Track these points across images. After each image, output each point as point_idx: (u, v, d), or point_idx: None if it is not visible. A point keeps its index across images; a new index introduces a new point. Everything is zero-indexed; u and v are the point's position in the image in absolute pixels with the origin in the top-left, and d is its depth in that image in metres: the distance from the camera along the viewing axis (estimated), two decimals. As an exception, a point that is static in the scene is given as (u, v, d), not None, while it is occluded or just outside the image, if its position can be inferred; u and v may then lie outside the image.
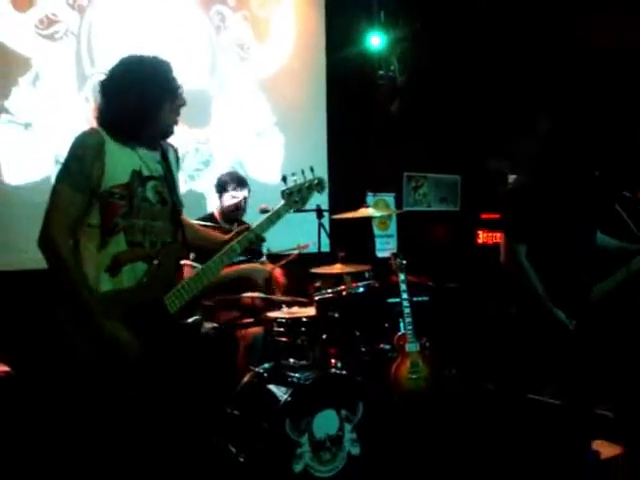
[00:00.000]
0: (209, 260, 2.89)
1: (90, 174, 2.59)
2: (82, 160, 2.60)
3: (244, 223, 4.78)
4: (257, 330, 4.51)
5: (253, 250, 3.12)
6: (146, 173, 2.74)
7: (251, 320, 4.54)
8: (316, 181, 3.20)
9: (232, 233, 3.06)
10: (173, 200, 2.85)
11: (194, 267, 3.41)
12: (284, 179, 3.14)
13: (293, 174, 3.14)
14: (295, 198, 3.12)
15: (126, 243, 2.67)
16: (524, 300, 3.61)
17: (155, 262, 2.73)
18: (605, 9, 6.34)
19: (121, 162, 2.67)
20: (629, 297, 3.78)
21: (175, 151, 3.02)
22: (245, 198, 4.78)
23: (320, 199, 4.47)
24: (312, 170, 3.19)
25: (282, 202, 3.09)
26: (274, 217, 3.06)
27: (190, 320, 2.83)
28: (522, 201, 3.61)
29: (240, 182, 4.80)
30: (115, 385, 2.57)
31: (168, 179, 2.84)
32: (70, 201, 2.58)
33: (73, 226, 2.61)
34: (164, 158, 2.87)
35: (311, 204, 4.77)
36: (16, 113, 4.95)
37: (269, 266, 4.77)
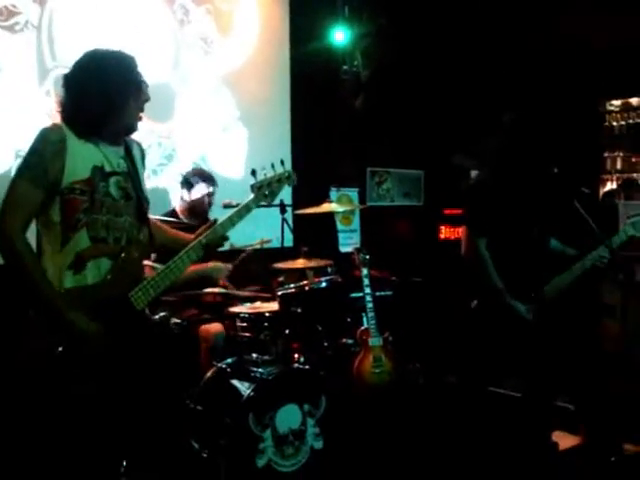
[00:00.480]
0: (176, 256, 2.87)
1: (48, 169, 2.56)
2: (42, 155, 2.57)
3: (208, 220, 4.78)
4: (218, 327, 4.50)
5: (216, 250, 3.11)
6: (108, 169, 2.71)
7: (214, 316, 4.53)
8: (286, 174, 3.18)
9: (200, 229, 3.04)
10: (138, 196, 2.83)
11: (154, 268, 3.40)
12: (253, 173, 3.10)
13: (263, 168, 3.12)
14: (265, 192, 3.09)
15: (89, 239, 2.64)
16: (484, 293, 3.66)
17: (121, 257, 2.71)
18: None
19: (82, 157, 2.64)
20: (584, 290, 3.85)
21: (140, 147, 3.00)
22: (211, 194, 4.77)
23: (283, 194, 4.46)
24: (282, 163, 3.17)
25: (251, 196, 3.07)
26: (243, 211, 3.04)
27: (157, 316, 2.82)
28: (483, 196, 3.67)
29: (207, 178, 4.79)
30: (79, 377, 2.55)
31: (132, 174, 2.81)
32: (26, 196, 2.55)
33: (29, 220, 2.58)
34: (128, 153, 2.85)
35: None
36: (-25, 106, 4.88)
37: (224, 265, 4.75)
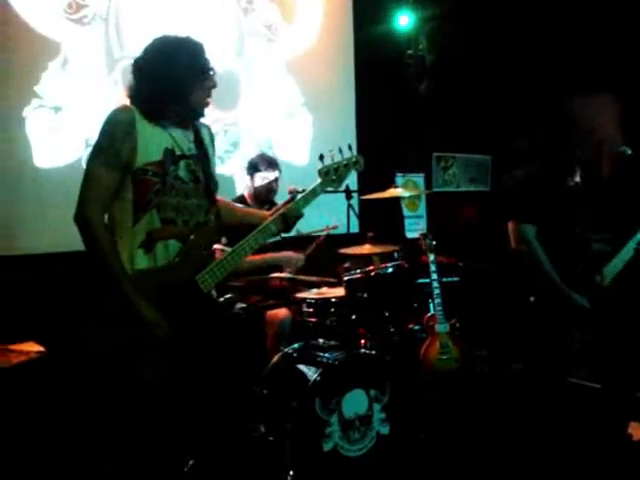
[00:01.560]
0: (244, 239, 2.90)
1: (121, 150, 2.61)
2: (113, 136, 2.62)
3: (276, 204, 4.80)
4: (285, 312, 4.52)
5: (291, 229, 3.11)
6: (178, 152, 2.76)
7: (280, 301, 4.55)
8: (354, 159, 3.17)
9: (273, 209, 3.05)
10: (207, 179, 2.86)
11: (224, 251, 3.42)
12: (321, 157, 3.09)
13: (330, 151, 3.10)
14: (332, 177, 3.10)
15: (159, 220, 2.69)
16: (541, 288, 3.60)
17: (190, 240, 2.74)
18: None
19: (153, 140, 2.69)
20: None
21: (209, 130, 3.03)
22: (276, 179, 4.79)
23: (348, 180, 4.45)
24: (350, 148, 3.16)
25: (319, 180, 3.07)
26: (310, 195, 3.05)
27: (223, 299, 2.85)
28: (531, 185, 3.63)
29: (271, 163, 4.81)
30: (144, 363, 2.60)
31: (201, 158, 2.85)
32: (103, 179, 2.61)
33: (107, 203, 2.64)
34: (197, 137, 2.88)
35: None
36: (46, 97, 4.99)
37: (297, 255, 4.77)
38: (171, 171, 2.71)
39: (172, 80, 2.70)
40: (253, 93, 6.08)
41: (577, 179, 3.57)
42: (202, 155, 2.86)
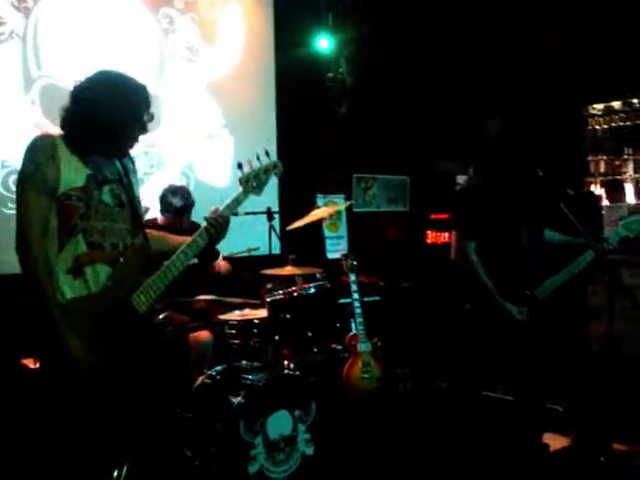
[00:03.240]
0: (174, 255, 2.88)
1: (46, 175, 2.59)
2: (37, 161, 2.61)
3: (193, 223, 4.78)
4: (206, 335, 4.50)
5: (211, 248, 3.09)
6: (101, 177, 2.74)
7: (203, 323, 4.52)
8: (273, 164, 3.17)
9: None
10: (132, 202, 2.85)
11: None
12: (240, 166, 3.09)
13: (249, 160, 3.10)
14: (253, 184, 3.09)
15: (86, 245, 2.66)
16: (476, 296, 3.68)
17: (120, 262, 2.72)
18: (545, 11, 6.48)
19: (76, 166, 2.67)
20: (572, 292, 3.87)
21: (131, 160, 3.01)
22: (189, 209, 4.75)
23: (270, 201, 4.48)
24: (267, 154, 3.16)
25: (240, 189, 3.08)
26: (233, 205, 3.04)
27: (160, 317, 2.84)
28: (471, 200, 3.70)
29: (189, 198, 4.78)
30: (75, 389, 2.59)
31: (124, 182, 2.84)
32: (37, 205, 2.59)
33: (44, 227, 2.60)
34: (119, 162, 2.87)
35: (261, 206, 4.82)
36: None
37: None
38: (95, 195, 2.70)
39: (108, 122, 2.70)
40: (174, 114, 6.04)
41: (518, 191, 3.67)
42: (125, 179, 2.85)
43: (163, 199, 4.75)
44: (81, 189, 2.65)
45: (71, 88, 2.77)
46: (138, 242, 2.86)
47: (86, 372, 2.57)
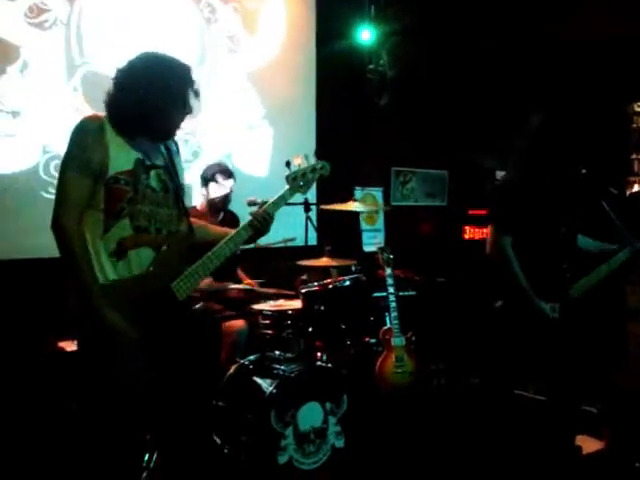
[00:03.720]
0: (217, 245, 2.90)
1: (91, 157, 2.61)
2: (83, 144, 2.62)
3: (230, 213, 4.79)
4: (240, 323, 4.52)
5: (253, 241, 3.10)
6: (148, 162, 2.77)
7: (237, 312, 4.54)
8: (320, 165, 3.20)
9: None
10: (177, 188, 2.87)
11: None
12: (287, 164, 3.13)
13: (296, 158, 3.14)
14: (300, 182, 3.12)
15: (132, 228, 2.69)
16: (509, 293, 3.64)
17: (163, 249, 2.74)
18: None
19: (124, 150, 2.69)
20: (610, 294, 3.81)
21: (175, 143, 3.03)
22: (231, 188, 4.78)
23: (307, 193, 4.44)
24: (316, 154, 3.20)
25: (287, 186, 3.10)
26: (279, 201, 3.06)
27: (197, 306, 2.85)
28: (510, 195, 3.65)
29: (226, 172, 4.80)
30: (117, 373, 2.61)
31: (169, 168, 2.86)
32: (76, 186, 2.61)
33: (82, 209, 2.62)
34: (165, 147, 2.90)
35: (299, 197, 4.81)
36: (4, 102, 4.92)
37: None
38: (142, 179, 2.72)
39: (151, 103, 2.71)
40: (214, 104, 6.05)
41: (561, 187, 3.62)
42: (170, 165, 2.87)
43: (210, 178, 4.77)
44: (129, 173, 2.68)
45: (114, 72, 2.78)
46: (183, 229, 2.87)
47: (132, 348, 2.59)
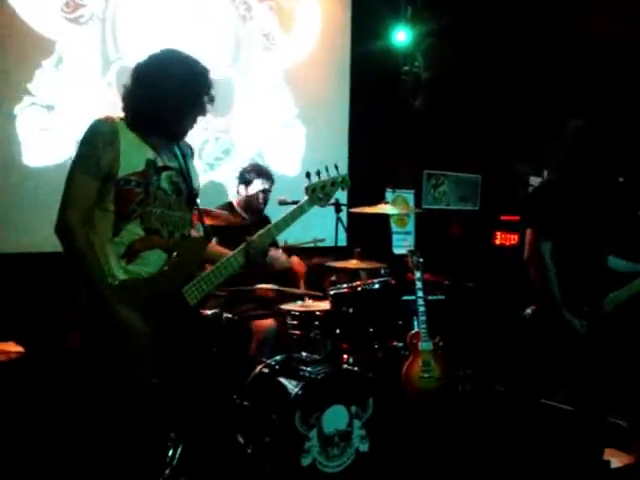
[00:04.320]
0: (230, 254, 2.88)
1: (101, 159, 2.58)
2: (94, 145, 2.59)
3: (264, 216, 4.78)
4: (270, 322, 4.50)
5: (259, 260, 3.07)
6: (160, 163, 2.73)
7: (265, 312, 4.52)
8: (340, 179, 3.18)
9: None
10: (189, 191, 2.84)
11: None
12: (308, 175, 3.10)
13: (318, 172, 3.11)
14: (319, 195, 3.10)
15: (143, 230, 2.66)
16: (542, 301, 3.59)
17: (175, 253, 2.71)
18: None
19: (136, 150, 2.66)
20: None
21: (190, 146, 3.01)
22: (269, 190, 4.80)
23: (339, 193, 4.39)
24: (337, 168, 3.17)
25: (306, 198, 3.08)
26: (297, 213, 3.05)
27: (210, 312, 2.83)
28: (551, 198, 3.59)
29: (265, 175, 4.82)
30: (126, 371, 2.56)
31: (183, 170, 2.83)
32: (83, 187, 2.58)
33: (88, 211, 2.59)
34: (179, 149, 2.87)
35: (330, 198, 4.79)
36: (39, 95, 4.95)
37: (285, 256, 4.76)
38: (154, 181, 2.68)
39: (165, 103, 2.69)
40: (247, 101, 6.06)
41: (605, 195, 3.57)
42: (183, 167, 2.84)
43: (251, 178, 4.80)
44: (140, 174, 2.64)
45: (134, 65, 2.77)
46: (196, 234, 2.85)
47: (142, 347, 2.57)
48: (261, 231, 2.98)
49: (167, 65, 2.73)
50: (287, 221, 3.02)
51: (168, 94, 2.68)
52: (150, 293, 2.63)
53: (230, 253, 2.94)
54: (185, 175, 2.83)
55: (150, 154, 2.70)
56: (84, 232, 2.58)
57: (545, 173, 6.87)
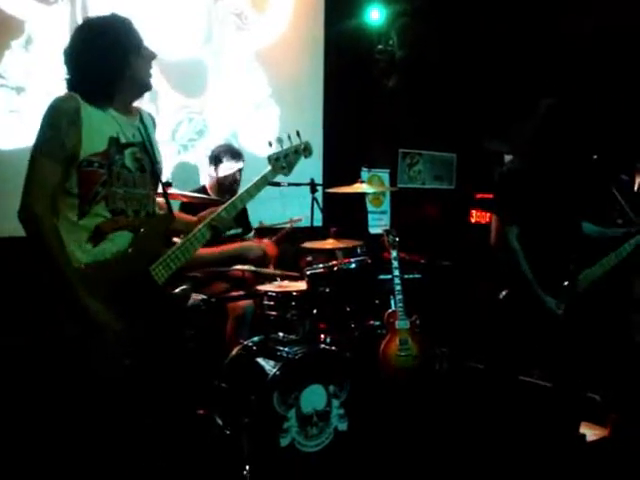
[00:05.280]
0: (195, 228, 2.85)
1: (65, 142, 2.52)
2: (57, 127, 2.52)
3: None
4: (247, 303, 4.49)
5: (242, 223, 3.06)
6: (124, 140, 2.67)
7: (241, 293, 4.51)
8: (302, 146, 3.13)
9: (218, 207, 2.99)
10: (153, 167, 2.80)
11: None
12: (270, 144, 3.09)
13: (279, 139, 3.08)
14: (282, 163, 3.06)
15: (109, 212, 2.61)
16: (514, 283, 3.60)
17: (141, 231, 2.68)
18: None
19: (98, 128, 2.59)
20: (615, 283, 3.78)
21: (152, 117, 2.96)
22: (240, 170, 4.74)
23: (314, 173, 4.41)
24: (298, 134, 3.12)
25: (268, 167, 3.04)
26: (260, 182, 3.01)
27: (178, 290, 2.79)
28: (516, 183, 3.60)
29: (236, 154, 4.76)
30: (97, 359, 2.53)
31: (147, 146, 2.78)
32: (47, 172, 2.51)
33: (52, 196, 2.54)
34: (141, 123, 2.81)
35: (305, 178, 4.77)
36: (8, 77, 4.89)
37: (259, 241, 4.74)
38: (117, 160, 2.62)
39: (103, 58, 2.62)
40: (220, 82, 6.01)
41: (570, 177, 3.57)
42: (147, 142, 2.78)
43: (220, 158, 4.74)
44: (103, 155, 2.58)
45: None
46: (161, 210, 2.82)
47: (118, 335, 2.54)
48: (225, 204, 2.94)
49: (87, 30, 2.70)
50: (250, 192, 2.98)
51: (104, 50, 2.62)
52: (117, 274, 2.59)
53: (194, 220, 2.93)
54: (148, 150, 2.77)
55: (113, 130, 2.64)
56: (50, 218, 2.52)
57: (506, 158, 6.89)
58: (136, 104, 2.83)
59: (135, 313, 2.61)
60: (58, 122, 2.53)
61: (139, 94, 2.80)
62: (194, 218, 2.99)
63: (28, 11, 4.95)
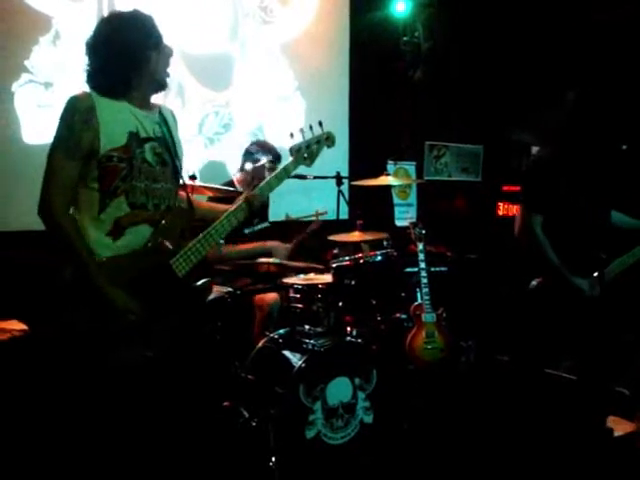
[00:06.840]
0: (216, 221, 2.86)
1: (81, 139, 2.55)
2: (71, 126, 2.57)
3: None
4: (273, 296, 4.50)
5: (260, 213, 3.06)
6: (143, 134, 2.69)
7: (267, 286, 4.52)
8: (325, 136, 3.13)
9: (238, 199, 2.99)
10: (174, 162, 2.81)
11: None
12: (292, 135, 3.08)
13: (301, 130, 3.08)
14: (304, 154, 3.06)
15: (128, 205, 2.64)
16: (545, 272, 3.58)
17: (162, 224, 2.70)
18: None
19: (117, 124, 2.62)
20: None
21: (172, 113, 2.98)
22: (273, 169, 4.75)
23: (340, 166, 4.40)
24: (320, 125, 3.12)
25: (290, 159, 3.05)
26: (282, 174, 3.02)
27: (199, 283, 2.81)
28: (544, 172, 3.58)
29: (271, 152, 4.75)
30: (117, 346, 2.56)
31: (167, 140, 2.79)
32: (63, 168, 2.56)
33: (70, 192, 2.58)
34: (161, 118, 2.82)
35: (330, 170, 4.77)
36: (36, 72, 4.92)
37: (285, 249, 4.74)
38: (137, 154, 2.65)
39: (124, 49, 2.64)
40: (246, 75, 6.02)
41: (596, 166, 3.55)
42: (167, 137, 2.80)
43: (258, 156, 4.74)
44: (123, 149, 2.61)
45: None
46: (182, 205, 2.83)
47: (139, 324, 2.57)
48: (257, 189, 2.96)
49: (110, 24, 2.72)
50: (271, 184, 3.00)
51: (125, 44, 2.65)
52: (137, 268, 2.62)
53: (219, 207, 2.94)
54: (169, 145, 2.79)
55: (131, 125, 2.66)
56: (68, 213, 2.57)
57: (534, 150, 6.83)
58: (162, 98, 2.84)
59: (156, 306, 2.64)
60: (72, 121, 2.57)
61: (155, 90, 2.82)
62: (226, 207, 2.99)
63: (55, 7, 4.98)
